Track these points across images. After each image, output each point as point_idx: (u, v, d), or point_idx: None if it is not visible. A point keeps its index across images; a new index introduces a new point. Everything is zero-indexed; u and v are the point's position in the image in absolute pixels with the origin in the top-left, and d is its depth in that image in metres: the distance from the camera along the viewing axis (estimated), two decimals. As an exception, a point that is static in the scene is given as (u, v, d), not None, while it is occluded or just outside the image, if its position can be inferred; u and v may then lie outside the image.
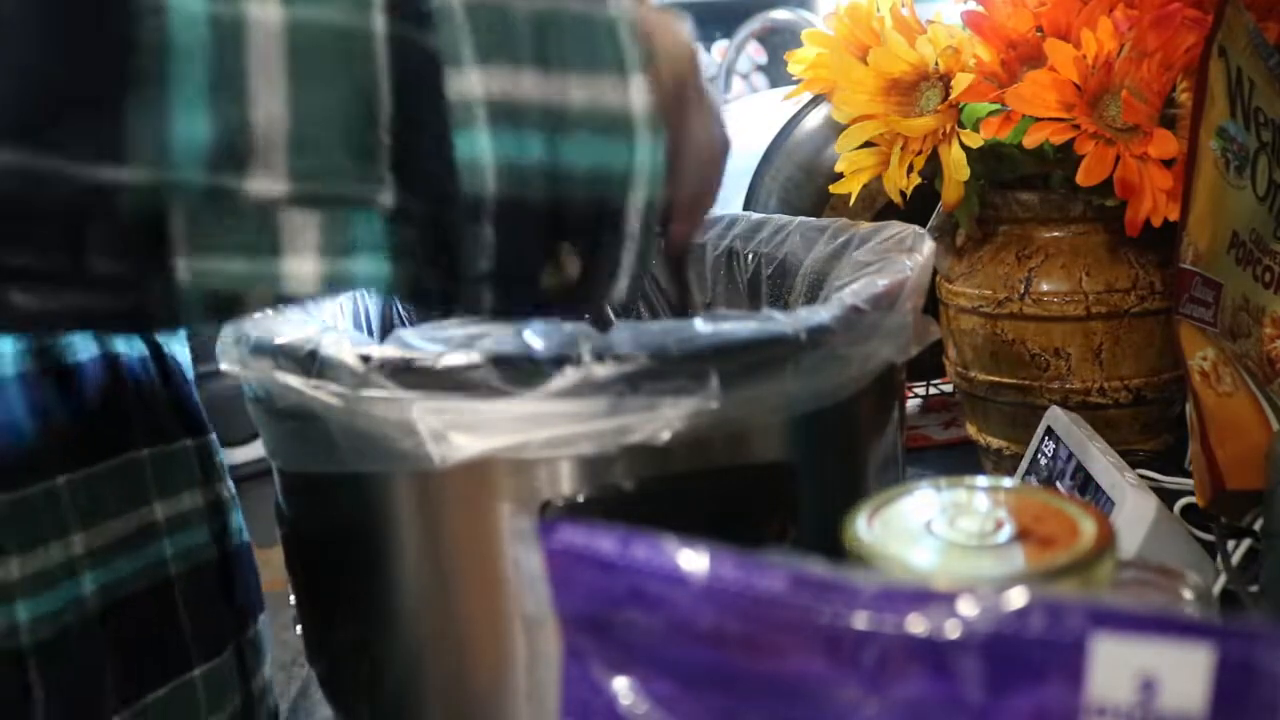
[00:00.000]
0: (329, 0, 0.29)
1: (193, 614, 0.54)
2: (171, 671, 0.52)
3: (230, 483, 0.59)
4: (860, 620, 0.24)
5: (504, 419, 0.38)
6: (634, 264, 0.34)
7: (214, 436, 0.58)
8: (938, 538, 0.31)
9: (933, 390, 0.95)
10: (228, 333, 0.45)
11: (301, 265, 0.30)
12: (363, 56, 0.30)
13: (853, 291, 0.44)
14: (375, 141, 0.30)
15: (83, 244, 0.29)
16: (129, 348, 0.53)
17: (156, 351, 0.55)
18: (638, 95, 0.31)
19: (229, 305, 0.31)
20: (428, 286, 0.32)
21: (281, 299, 0.31)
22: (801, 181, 0.90)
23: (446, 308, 0.34)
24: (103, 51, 0.27)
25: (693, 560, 0.25)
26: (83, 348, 0.51)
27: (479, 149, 0.30)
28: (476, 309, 0.34)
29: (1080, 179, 0.61)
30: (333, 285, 0.31)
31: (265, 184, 0.29)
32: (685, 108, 0.35)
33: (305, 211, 0.30)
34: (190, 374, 0.58)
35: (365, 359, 0.39)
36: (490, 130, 0.30)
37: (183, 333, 0.66)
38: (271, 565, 0.60)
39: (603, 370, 0.37)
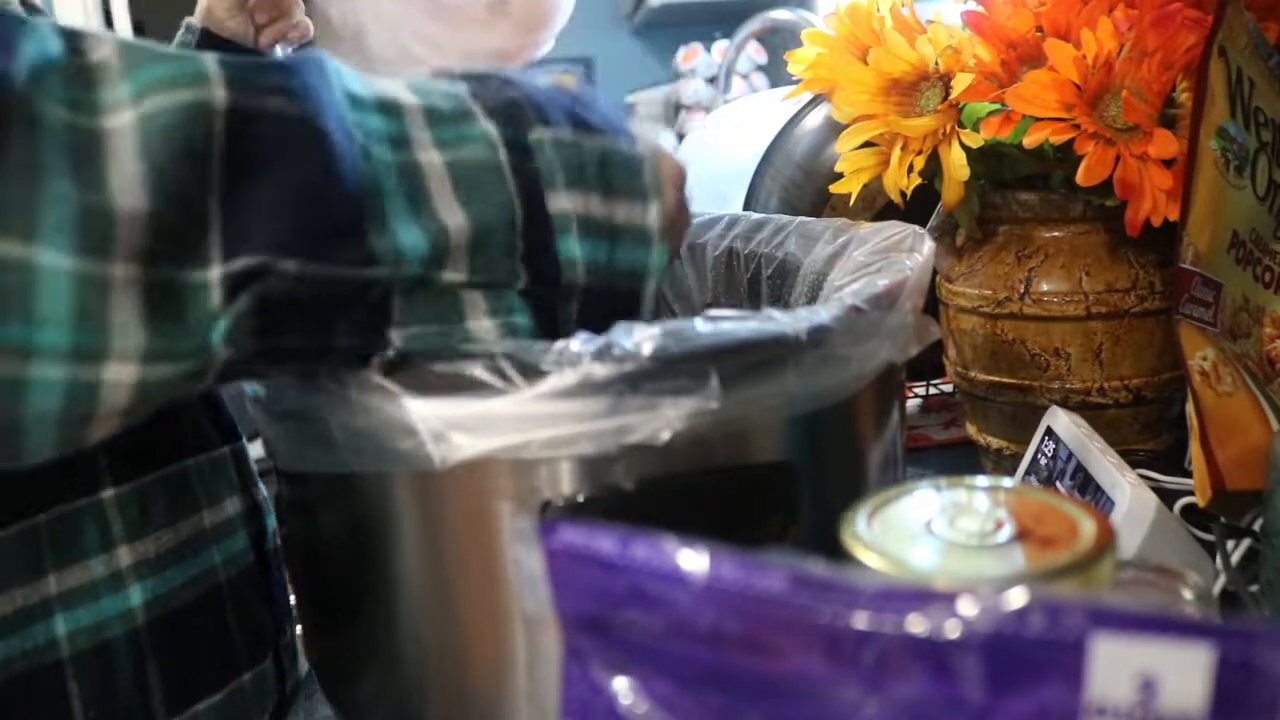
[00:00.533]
0: (471, 141, 0.41)
1: (240, 619, 0.55)
2: (225, 678, 0.53)
3: (262, 486, 0.59)
4: (860, 620, 0.24)
5: (504, 419, 0.38)
6: (646, 319, 0.45)
7: (245, 442, 0.59)
8: (938, 538, 0.31)
9: (933, 390, 0.95)
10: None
11: (478, 324, 0.41)
12: (500, 181, 0.41)
13: (853, 291, 0.44)
14: (515, 243, 0.41)
15: (334, 327, 0.38)
16: None
17: None
18: (654, 217, 0.44)
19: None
20: (544, 334, 0.43)
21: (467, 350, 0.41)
22: (801, 181, 0.90)
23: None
24: (340, 182, 0.37)
25: (693, 560, 0.25)
26: None
27: (573, 251, 0.42)
28: None
29: (1080, 179, 0.61)
30: (499, 333, 0.41)
31: (453, 274, 0.40)
32: (681, 206, 0.47)
33: (475, 291, 0.41)
34: None
35: (366, 360, 0.39)
36: (578, 237, 0.42)
37: None
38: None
39: (603, 370, 0.37)
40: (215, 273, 0.35)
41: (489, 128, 0.41)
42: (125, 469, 0.50)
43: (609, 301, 0.44)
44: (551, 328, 0.43)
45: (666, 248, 0.45)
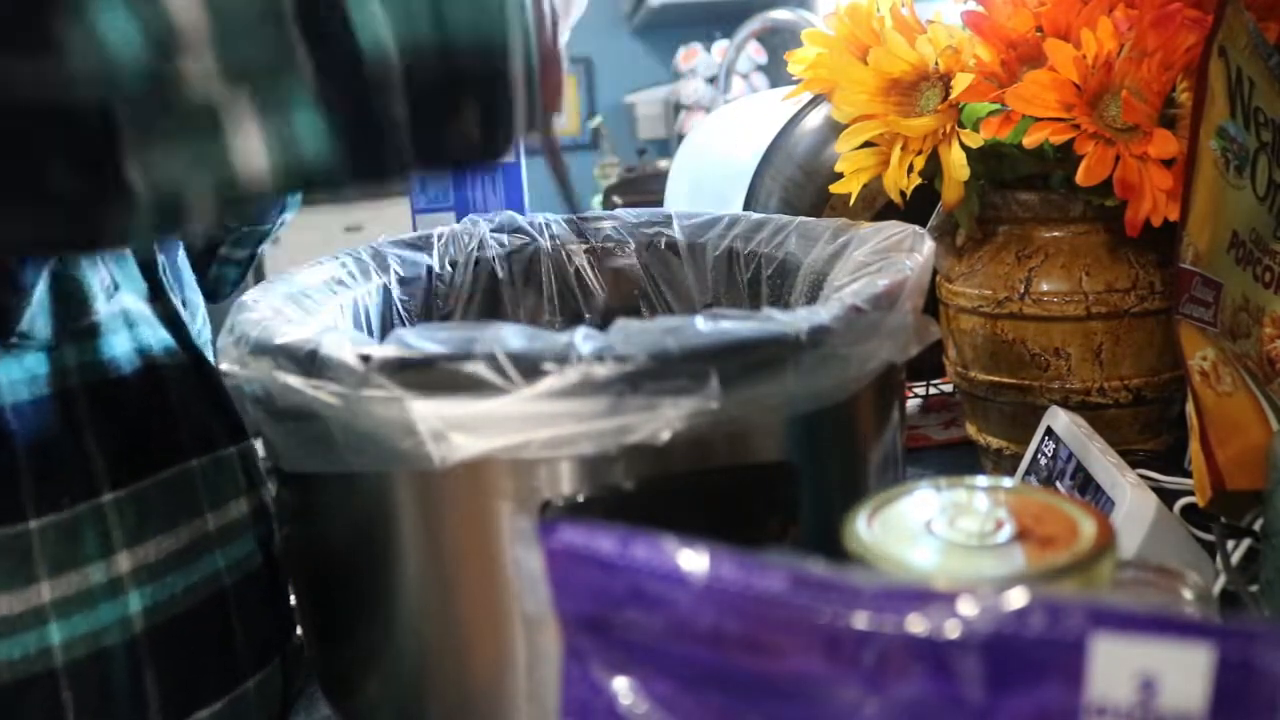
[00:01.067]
0: None
1: (245, 624, 0.53)
2: (227, 685, 0.52)
3: (270, 486, 0.57)
4: (860, 620, 0.24)
5: (504, 419, 0.38)
6: (524, 117, 0.35)
7: (253, 441, 0.56)
8: (938, 538, 0.31)
9: (933, 390, 0.95)
10: (228, 333, 0.45)
11: (247, 141, 0.30)
12: None
13: (853, 291, 0.44)
14: (282, 10, 0.30)
15: (38, 152, 0.29)
16: (169, 357, 0.52)
17: (195, 358, 0.54)
18: None
19: (175, 212, 0.31)
20: (360, 159, 0.33)
21: (233, 195, 0.31)
22: (801, 181, 0.90)
23: (379, 179, 0.35)
24: None
25: (693, 560, 0.25)
26: (125, 361, 0.50)
27: (374, 19, 0.31)
28: (401, 173, 0.35)
29: (1080, 179, 0.61)
30: (285, 166, 0.31)
31: (193, 66, 0.29)
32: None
33: (237, 92, 0.30)
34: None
35: (365, 359, 0.39)
36: (381, 3, 0.31)
37: (206, 334, 0.65)
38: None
39: (603, 370, 0.37)
40: None
41: None
42: (124, 472, 0.48)
43: (451, 93, 0.33)
44: (365, 141, 0.33)
45: (526, 6, 0.33)
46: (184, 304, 0.58)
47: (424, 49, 0.32)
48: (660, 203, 1.25)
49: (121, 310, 0.51)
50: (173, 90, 0.30)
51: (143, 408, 0.50)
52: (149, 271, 0.55)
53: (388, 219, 2.37)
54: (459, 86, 0.33)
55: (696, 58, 3.52)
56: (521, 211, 0.88)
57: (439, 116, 0.33)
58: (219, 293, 0.79)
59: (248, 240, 0.78)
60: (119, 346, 0.50)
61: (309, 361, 0.40)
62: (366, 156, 0.33)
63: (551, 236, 0.70)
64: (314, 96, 0.31)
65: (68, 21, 0.28)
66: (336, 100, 0.31)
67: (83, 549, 0.46)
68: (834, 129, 0.77)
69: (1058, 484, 0.59)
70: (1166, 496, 0.54)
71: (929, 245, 0.51)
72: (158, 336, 0.53)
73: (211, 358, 0.57)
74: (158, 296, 0.55)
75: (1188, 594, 0.34)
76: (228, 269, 0.79)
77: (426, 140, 0.34)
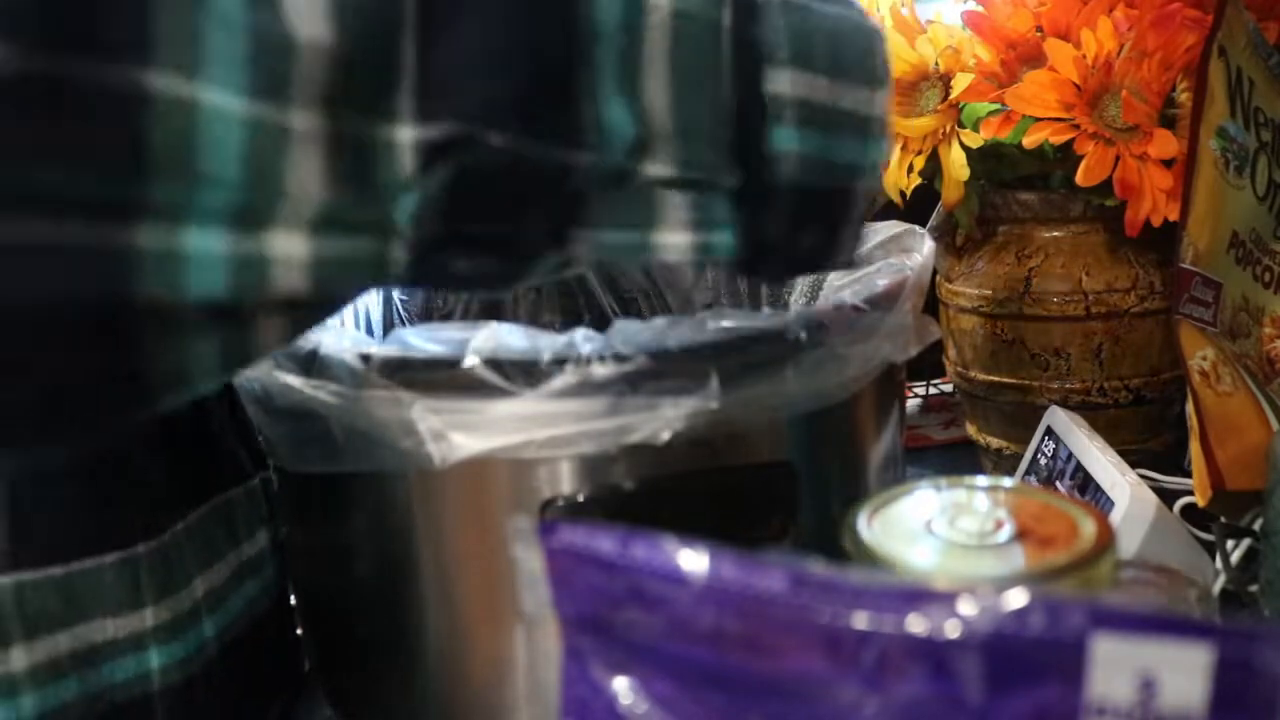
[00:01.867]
0: None
1: (278, 646, 0.53)
2: (266, 706, 0.52)
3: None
4: (860, 620, 0.24)
5: (504, 419, 0.38)
6: (854, 236, 0.39)
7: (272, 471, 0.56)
8: (938, 537, 0.31)
9: (933, 390, 0.95)
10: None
11: (673, 237, 0.34)
12: (715, 47, 0.33)
13: (853, 291, 0.44)
14: (721, 131, 0.33)
15: (526, 216, 0.32)
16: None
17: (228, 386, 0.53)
18: (879, 105, 0.37)
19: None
20: (745, 255, 0.36)
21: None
22: (801, 181, 0.90)
23: (752, 273, 0.38)
24: (560, 32, 0.30)
25: (693, 560, 0.25)
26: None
27: (788, 143, 0.34)
28: (765, 275, 0.40)
29: (1080, 179, 0.61)
30: (696, 253, 0.35)
31: (656, 168, 0.32)
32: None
33: (681, 193, 0.33)
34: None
35: (365, 359, 0.39)
36: (795, 125, 0.34)
37: None
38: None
39: (603, 370, 0.37)
40: (408, 134, 0.29)
41: None
42: (191, 500, 0.47)
43: (820, 206, 0.37)
44: (758, 245, 0.36)
45: (885, 139, 0.38)
46: None
47: (813, 169, 0.35)
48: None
49: None
50: (633, 181, 0.33)
51: (195, 436, 0.49)
52: None
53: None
54: (825, 202, 0.37)
55: (696, 58, 3.52)
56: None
57: (809, 224, 0.37)
58: None
59: None
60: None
61: (309, 361, 0.40)
62: (754, 253, 0.37)
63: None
64: (732, 211, 0.35)
65: (588, 105, 0.30)
66: (746, 210, 0.35)
67: (174, 575, 0.46)
68: (834, 129, 0.77)
69: (1058, 484, 0.59)
70: (1166, 496, 0.54)
71: (929, 245, 0.51)
72: None
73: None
74: None
75: (1188, 594, 0.34)
76: None
77: (786, 252, 0.38)
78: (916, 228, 0.54)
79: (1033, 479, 0.63)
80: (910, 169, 0.67)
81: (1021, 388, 0.69)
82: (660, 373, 0.38)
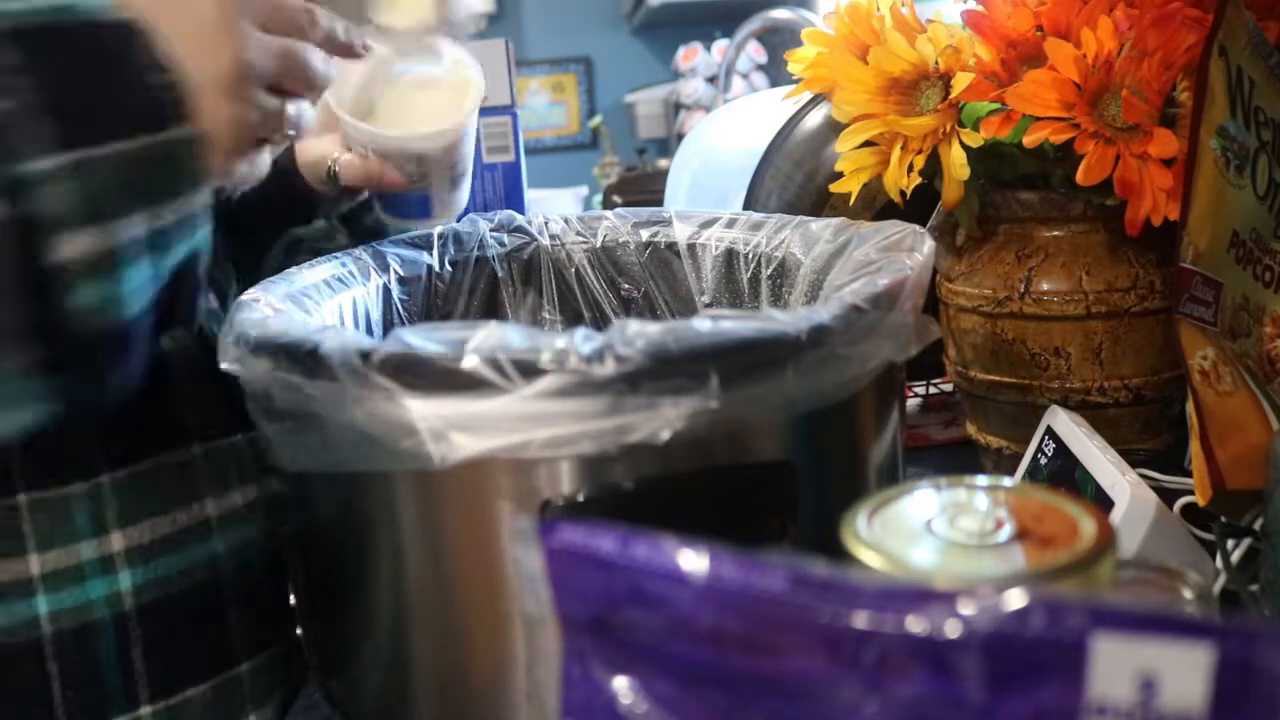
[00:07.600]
0: None
1: (242, 611, 0.54)
2: (216, 667, 0.53)
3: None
4: (860, 620, 0.24)
5: (504, 419, 0.38)
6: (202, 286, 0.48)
7: None
8: (938, 537, 0.31)
9: (933, 390, 0.95)
10: (227, 332, 0.45)
11: None
12: None
13: (853, 291, 0.44)
14: (6, 320, 0.37)
15: None
16: (170, 340, 0.53)
17: (202, 340, 0.55)
18: (203, 197, 0.41)
19: None
20: None
21: None
22: (801, 181, 0.90)
23: None
24: None
25: (693, 560, 0.25)
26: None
27: (92, 296, 0.38)
28: None
29: (1080, 178, 0.61)
30: None
31: None
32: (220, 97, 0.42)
33: None
34: None
35: (365, 358, 0.39)
36: (99, 278, 0.37)
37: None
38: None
39: (603, 370, 0.37)
40: None
41: None
42: (123, 455, 0.50)
43: (166, 306, 0.42)
44: (89, 389, 0.40)
45: (209, 182, 0.40)
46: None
47: (141, 293, 0.40)
48: (660, 202, 1.25)
49: None
50: None
51: (146, 395, 0.50)
52: None
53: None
54: (170, 302, 0.44)
55: (696, 57, 3.52)
56: (521, 211, 0.88)
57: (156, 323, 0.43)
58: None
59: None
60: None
61: (309, 361, 0.40)
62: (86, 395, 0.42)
63: (551, 236, 0.70)
64: (38, 377, 0.38)
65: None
66: (58, 367, 0.39)
67: (71, 527, 0.48)
68: (834, 129, 0.77)
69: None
70: (1166, 496, 0.54)
71: (929, 245, 0.51)
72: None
73: None
74: None
75: (1188, 594, 0.34)
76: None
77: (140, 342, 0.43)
78: (916, 227, 0.53)
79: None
80: (910, 169, 0.67)
81: (1021, 387, 0.69)
82: (660, 373, 0.37)
